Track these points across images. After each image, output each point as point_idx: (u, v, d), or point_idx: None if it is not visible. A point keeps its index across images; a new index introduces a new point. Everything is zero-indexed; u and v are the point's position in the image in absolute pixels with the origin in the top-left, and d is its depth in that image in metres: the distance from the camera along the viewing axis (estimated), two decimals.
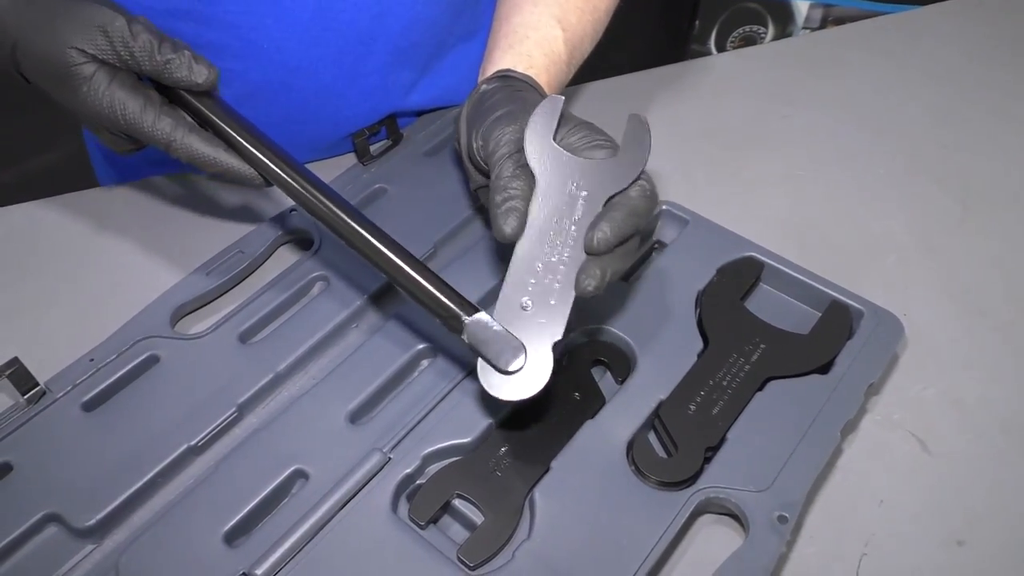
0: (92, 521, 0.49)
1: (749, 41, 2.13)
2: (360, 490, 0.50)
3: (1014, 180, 0.77)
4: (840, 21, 2.05)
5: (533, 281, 0.47)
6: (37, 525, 0.49)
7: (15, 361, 0.53)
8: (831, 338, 0.59)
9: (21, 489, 0.51)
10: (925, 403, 0.60)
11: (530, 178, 0.49)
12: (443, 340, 0.58)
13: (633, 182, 0.48)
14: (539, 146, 0.49)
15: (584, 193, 0.48)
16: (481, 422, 0.53)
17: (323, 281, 0.63)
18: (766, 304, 0.63)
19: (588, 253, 0.47)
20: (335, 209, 0.49)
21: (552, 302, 0.47)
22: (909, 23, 0.98)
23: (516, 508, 0.50)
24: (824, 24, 2.11)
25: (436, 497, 0.50)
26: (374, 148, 0.72)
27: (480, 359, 0.47)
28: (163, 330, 0.59)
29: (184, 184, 0.73)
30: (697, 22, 2.16)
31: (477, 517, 0.50)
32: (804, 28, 2.09)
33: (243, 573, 0.46)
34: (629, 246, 0.49)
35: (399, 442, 0.52)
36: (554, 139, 0.49)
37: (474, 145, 0.54)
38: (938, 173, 0.77)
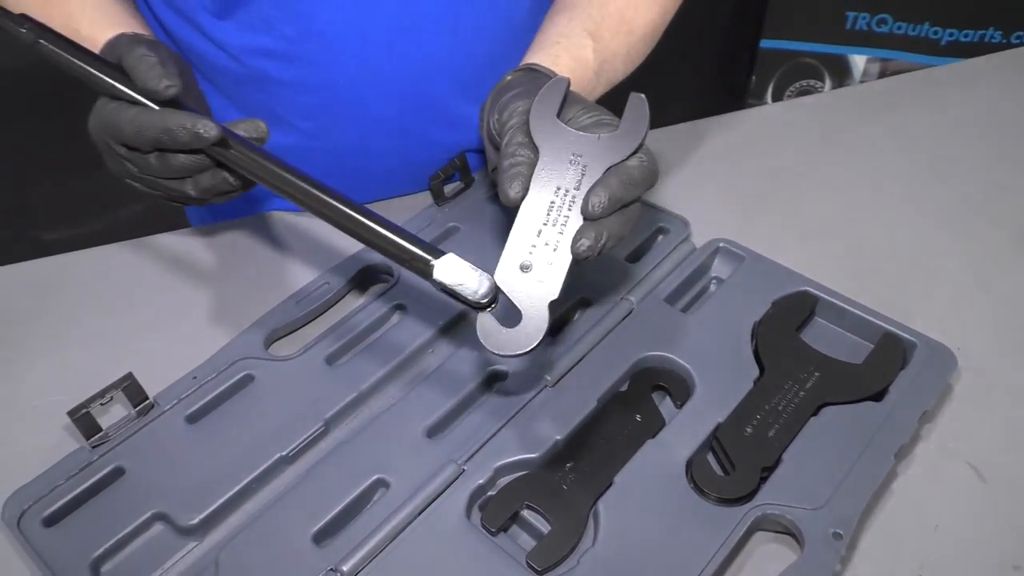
0: (195, 520, 0.54)
1: (806, 95, 2.16)
2: (436, 498, 0.54)
3: None
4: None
5: (533, 245, 0.50)
6: (146, 523, 0.55)
7: (129, 377, 0.59)
8: (884, 367, 0.61)
9: (132, 491, 0.56)
10: (980, 433, 0.61)
11: (536, 149, 0.52)
12: (514, 362, 0.62)
13: (632, 154, 0.51)
14: (542, 119, 0.52)
15: (584, 165, 0.51)
16: (549, 439, 0.57)
17: (401, 310, 0.68)
18: (821, 337, 0.66)
19: (585, 218, 0.49)
20: (291, 177, 0.50)
21: (550, 263, 0.49)
22: (961, 73, 1.01)
23: (581, 518, 0.53)
24: (881, 78, 2.13)
25: (506, 506, 0.54)
26: (448, 190, 0.78)
27: (478, 319, 0.49)
28: (258, 352, 0.64)
29: (272, 223, 0.80)
30: (754, 76, 2.20)
31: (544, 527, 0.54)
32: (861, 82, 2.12)
33: (331, 569, 0.51)
34: (628, 213, 0.51)
35: (472, 455, 0.56)
36: (560, 116, 0.52)
37: (492, 122, 0.57)
38: (992, 213, 0.79)
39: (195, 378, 0.62)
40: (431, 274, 0.48)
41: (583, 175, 0.51)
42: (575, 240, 0.49)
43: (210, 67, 0.73)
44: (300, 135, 0.76)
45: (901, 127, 0.92)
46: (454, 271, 0.48)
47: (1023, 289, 0.72)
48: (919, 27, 2.03)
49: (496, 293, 0.48)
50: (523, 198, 0.50)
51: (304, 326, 0.69)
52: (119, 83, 0.52)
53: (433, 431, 0.59)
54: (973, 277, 0.73)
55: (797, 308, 0.66)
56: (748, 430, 0.57)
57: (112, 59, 0.53)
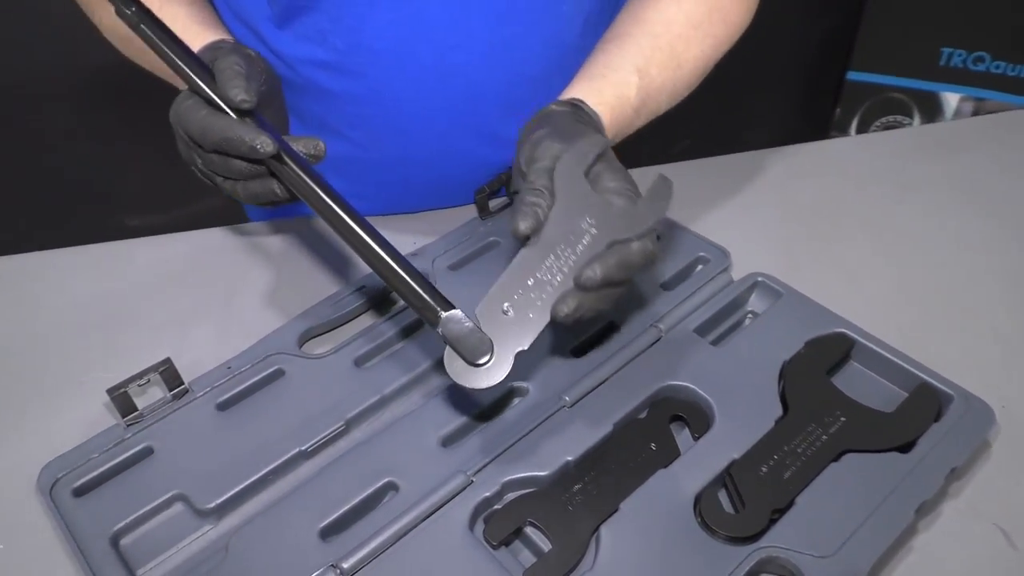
0: (212, 504, 0.56)
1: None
2: (442, 506, 0.55)
3: None
4: None
5: (520, 292, 0.51)
6: (167, 502, 0.57)
7: (167, 361, 0.62)
8: (915, 419, 0.59)
9: (158, 470, 0.59)
10: (1016, 497, 0.58)
11: (554, 197, 0.53)
12: (535, 380, 0.62)
13: (640, 236, 0.52)
14: (570, 175, 0.53)
15: (593, 231, 0.52)
16: (560, 459, 0.57)
17: None
18: (855, 381, 0.64)
19: (575, 284, 0.51)
20: (330, 203, 0.53)
21: (530, 315, 0.51)
22: None
23: (583, 541, 0.53)
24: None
25: (510, 521, 0.54)
26: (493, 205, 0.79)
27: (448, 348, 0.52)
28: (291, 348, 0.66)
29: (321, 225, 0.82)
30: (839, 108, 2.15)
31: (545, 545, 0.54)
32: (955, 120, 2.04)
33: (332, 564, 0.52)
34: (613, 292, 0.52)
35: (482, 468, 0.57)
36: (587, 174, 0.53)
37: (524, 151, 0.58)
38: None
39: (229, 368, 0.65)
40: (437, 324, 0.52)
41: (588, 240, 0.52)
42: (558, 302, 0.50)
43: None
44: (349, 144, 0.78)
45: (970, 170, 0.89)
46: (457, 326, 0.51)
47: None
48: (1019, 67, 1.95)
49: (491, 355, 0.51)
50: (530, 236, 0.52)
51: (338, 327, 0.71)
52: (202, 81, 0.55)
53: (448, 440, 0.60)
54: None
55: (830, 350, 0.64)
56: (763, 469, 0.56)
57: (207, 60, 0.57)
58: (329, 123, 0.77)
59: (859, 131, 2.14)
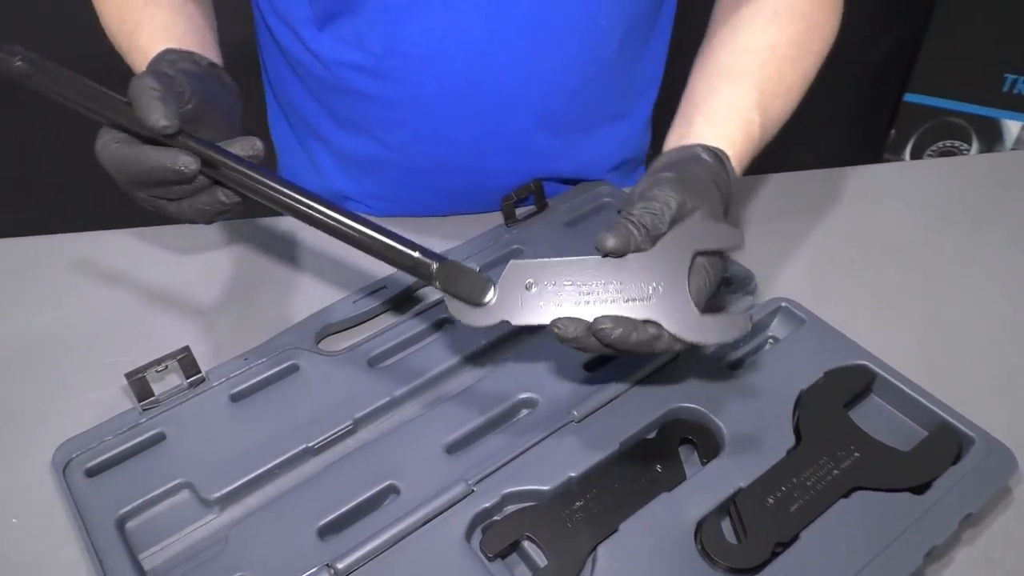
0: (216, 494, 0.57)
1: (947, 156, 2.05)
2: (440, 514, 0.55)
3: None
4: None
5: (554, 283, 0.51)
6: (174, 489, 0.58)
7: (186, 349, 0.63)
8: (933, 459, 0.57)
9: (169, 456, 0.60)
10: None
11: (654, 242, 0.52)
12: (545, 392, 0.62)
13: (679, 339, 0.50)
14: (681, 242, 0.51)
15: (652, 300, 0.51)
16: (562, 474, 0.57)
17: (449, 324, 0.69)
18: (874, 416, 0.62)
19: (592, 331, 0.50)
20: (282, 188, 0.53)
21: (540, 305, 0.51)
22: None
23: (579, 559, 0.53)
24: None
25: (507, 534, 0.54)
26: (520, 212, 0.79)
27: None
28: (308, 344, 0.67)
29: None
30: (894, 130, 2.11)
31: (541, 560, 0.53)
32: (1012, 150, 1.98)
33: (327, 564, 0.52)
34: (601, 348, 0.51)
35: (484, 478, 0.57)
36: (694, 256, 0.51)
37: (645, 181, 0.56)
38: None
39: (246, 359, 0.66)
40: (432, 279, 0.52)
41: (641, 300, 0.51)
42: (559, 321, 0.50)
43: (308, 74, 0.77)
44: (382, 147, 0.79)
45: (1013, 203, 0.86)
46: (455, 270, 0.52)
47: None
48: None
49: (494, 293, 0.52)
50: (611, 252, 0.51)
51: (355, 326, 0.71)
52: (117, 115, 0.53)
53: (454, 447, 0.60)
54: None
55: (850, 382, 0.63)
56: (770, 500, 0.55)
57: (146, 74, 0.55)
58: (364, 125, 0.78)
59: (914, 154, 2.09)
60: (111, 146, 0.53)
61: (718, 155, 0.59)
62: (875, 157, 2.16)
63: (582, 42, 0.73)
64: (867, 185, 0.90)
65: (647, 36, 0.79)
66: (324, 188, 0.86)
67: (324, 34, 0.72)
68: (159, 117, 0.51)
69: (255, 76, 0.87)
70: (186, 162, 0.51)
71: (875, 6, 1.90)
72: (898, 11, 1.96)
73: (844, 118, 2.23)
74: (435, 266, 0.53)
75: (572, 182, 0.84)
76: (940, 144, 2.09)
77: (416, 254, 0.53)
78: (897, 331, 0.72)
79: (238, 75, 0.67)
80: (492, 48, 0.70)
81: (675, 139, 0.63)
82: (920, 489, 0.56)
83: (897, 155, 2.11)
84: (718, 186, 0.57)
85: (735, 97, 0.63)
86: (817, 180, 0.90)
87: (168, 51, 0.62)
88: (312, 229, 0.54)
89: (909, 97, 2.03)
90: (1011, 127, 2.00)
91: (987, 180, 0.90)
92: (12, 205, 1.85)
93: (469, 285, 0.52)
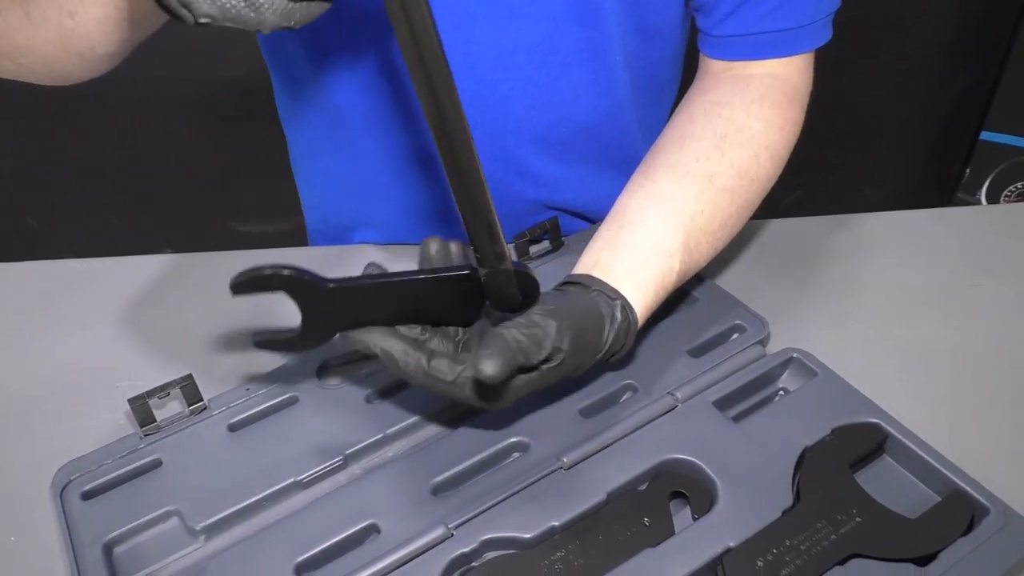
0: (203, 524, 0.57)
1: None
2: (416, 557, 0.54)
3: None
4: None
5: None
6: (163, 516, 0.59)
7: (189, 377, 0.64)
8: (941, 528, 0.54)
9: (162, 483, 0.61)
10: None
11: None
12: (538, 437, 0.61)
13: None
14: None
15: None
16: (545, 523, 0.55)
17: None
18: (883, 478, 0.59)
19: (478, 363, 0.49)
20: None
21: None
22: None
23: None
24: None
25: None
26: (535, 250, 0.78)
27: None
28: (310, 376, 0.68)
29: (368, 255, 0.84)
30: (968, 169, 2.02)
31: None
32: None
33: None
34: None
35: (465, 522, 0.56)
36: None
37: (542, 302, 0.56)
38: None
39: (247, 389, 0.66)
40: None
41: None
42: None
43: (308, 101, 0.78)
44: (385, 173, 0.79)
45: None
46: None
47: None
48: None
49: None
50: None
51: (358, 360, 0.71)
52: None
53: (439, 488, 0.59)
54: None
55: (858, 441, 0.59)
56: (759, 563, 0.52)
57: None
58: (366, 151, 0.79)
59: (990, 195, 2.01)
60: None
61: (624, 307, 0.58)
62: (948, 196, 2.08)
63: (592, 75, 0.72)
64: (905, 231, 0.86)
65: (665, 88, 0.78)
66: (329, 216, 0.88)
67: (325, 60, 0.74)
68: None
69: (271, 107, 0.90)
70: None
71: (949, 47, 1.84)
72: (973, 51, 1.89)
73: (918, 156, 2.16)
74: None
75: (590, 219, 0.83)
76: (1017, 185, 2.01)
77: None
78: (920, 389, 0.68)
79: (258, 108, 0.69)
80: (501, 72, 0.71)
81: (596, 258, 0.62)
82: (924, 560, 0.53)
83: (971, 194, 2.03)
84: (608, 348, 0.57)
85: (662, 237, 0.62)
86: (852, 225, 0.87)
87: None
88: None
89: (985, 135, 1.95)
90: None
91: None
92: (86, 224, 1.94)
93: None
